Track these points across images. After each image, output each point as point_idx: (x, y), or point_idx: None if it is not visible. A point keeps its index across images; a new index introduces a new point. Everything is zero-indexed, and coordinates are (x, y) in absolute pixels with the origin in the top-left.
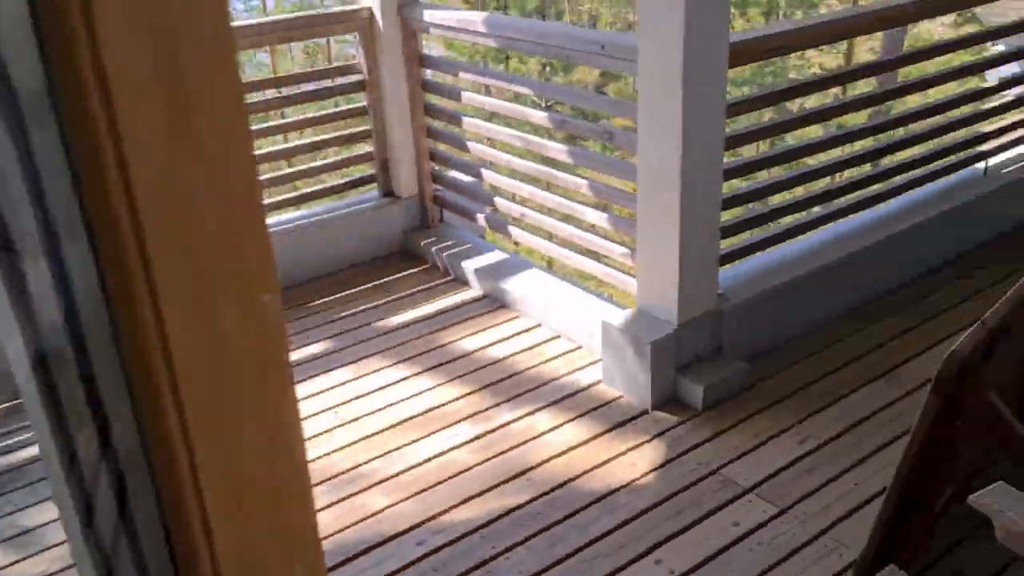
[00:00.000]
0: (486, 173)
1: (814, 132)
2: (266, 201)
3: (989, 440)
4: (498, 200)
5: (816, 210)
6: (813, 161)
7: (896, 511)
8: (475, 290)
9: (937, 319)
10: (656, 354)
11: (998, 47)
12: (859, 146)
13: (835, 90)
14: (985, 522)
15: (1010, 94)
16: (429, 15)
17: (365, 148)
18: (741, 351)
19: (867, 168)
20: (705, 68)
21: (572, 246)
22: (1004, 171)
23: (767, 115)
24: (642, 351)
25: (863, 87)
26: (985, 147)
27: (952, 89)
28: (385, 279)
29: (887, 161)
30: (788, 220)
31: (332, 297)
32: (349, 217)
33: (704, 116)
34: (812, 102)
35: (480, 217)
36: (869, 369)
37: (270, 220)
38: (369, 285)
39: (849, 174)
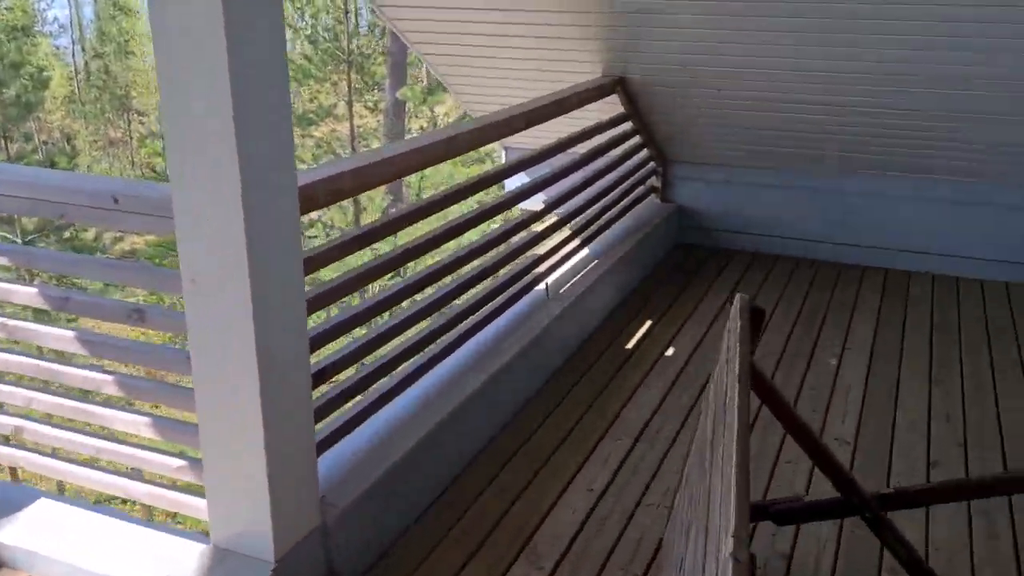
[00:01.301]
0: None
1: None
2: None
3: None
4: None
5: (406, 366)
6: (387, 316)
7: None
8: None
9: (549, 464)
10: None
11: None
12: (430, 291)
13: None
14: None
15: (552, 216)
16: None
17: None
18: (361, 563)
19: (438, 314)
20: (273, 220)
21: (104, 463)
22: (561, 290)
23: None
24: None
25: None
26: (541, 268)
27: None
28: None
29: (459, 302)
30: (378, 384)
31: None
32: None
33: (279, 280)
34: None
35: None
36: (513, 535)
37: None
38: None
39: (425, 324)
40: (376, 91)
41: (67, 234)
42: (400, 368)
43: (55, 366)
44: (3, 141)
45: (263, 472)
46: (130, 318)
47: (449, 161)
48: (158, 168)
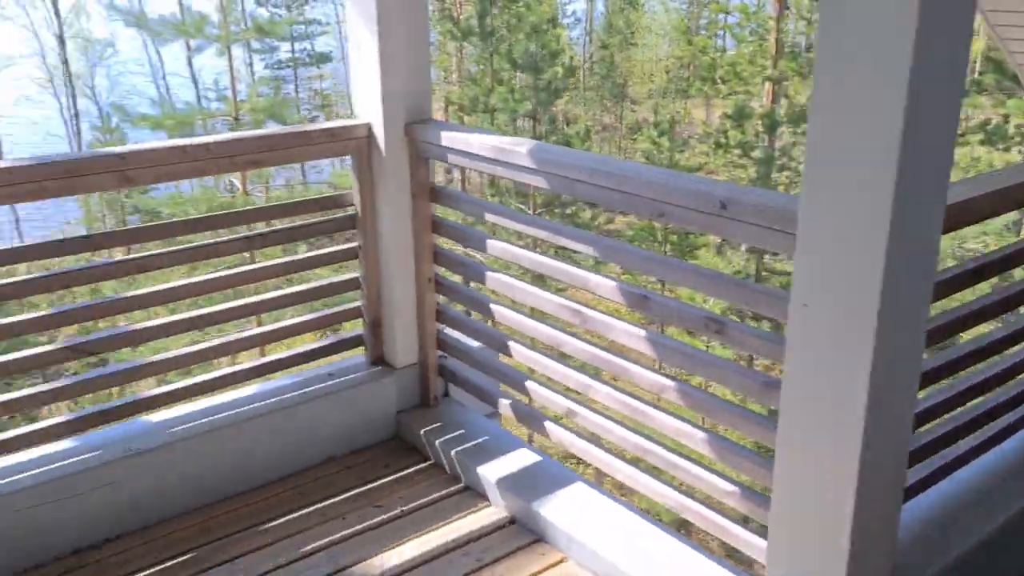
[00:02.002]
0: (517, 348)
1: None
2: (227, 371)
3: None
4: (532, 385)
5: (992, 425)
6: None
7: None
8: (497, 509)
9: None
10: None
11: None
12: None
13: None
14: None
15: None
16: (448, 138)
17: (351, 302)
18: None
19: None
20: (914, 247)
21: (646, 467)
22: None
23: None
24: None
25: None
26: None
27: None
28: (369, 484)
29: None
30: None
31: (289, 516)
32: (325, 392)
33: (906, 313)
34: None
35: (504, 404)
36: None
37: (224, 399)
38: (346, 495)
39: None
40: None
41: (569, 210)
42: (984, 427)
43: (621, 360)
44: (533, 121)
45: (847, 524)
46: (706, 327)
47: None
48: (650, 156)
